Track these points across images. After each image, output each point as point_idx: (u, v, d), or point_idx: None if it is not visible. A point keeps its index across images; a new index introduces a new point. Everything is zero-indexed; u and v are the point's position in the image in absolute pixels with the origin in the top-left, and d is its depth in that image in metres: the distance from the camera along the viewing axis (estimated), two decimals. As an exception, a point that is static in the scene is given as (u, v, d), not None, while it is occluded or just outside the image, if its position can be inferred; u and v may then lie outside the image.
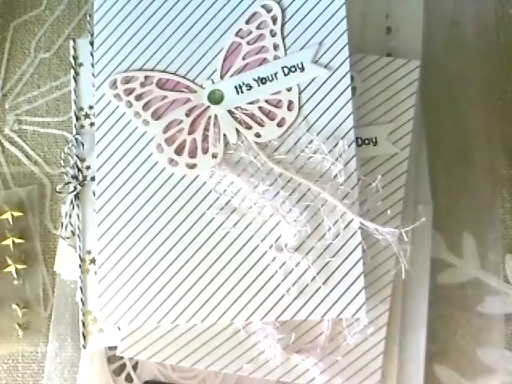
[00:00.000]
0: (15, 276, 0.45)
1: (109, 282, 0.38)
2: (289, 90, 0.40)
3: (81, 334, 0.41)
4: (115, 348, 0.40)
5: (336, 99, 0.39)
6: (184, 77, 0.40)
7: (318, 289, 0.38)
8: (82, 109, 0.43)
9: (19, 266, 0.45)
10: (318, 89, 0.40)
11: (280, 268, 0.38)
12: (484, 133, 0.46)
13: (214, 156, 0.39)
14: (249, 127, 0.39)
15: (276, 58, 0.40)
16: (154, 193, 0.39)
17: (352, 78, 0.40)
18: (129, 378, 0.42)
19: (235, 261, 0.38)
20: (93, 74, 0.41)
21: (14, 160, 0.47)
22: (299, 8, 0.41)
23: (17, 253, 0.45)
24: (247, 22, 0.41)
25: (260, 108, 0.40)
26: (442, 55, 0.47)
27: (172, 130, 0.40)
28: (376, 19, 0.45)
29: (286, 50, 0.40)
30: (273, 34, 0.40)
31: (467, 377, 0.44)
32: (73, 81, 0.43)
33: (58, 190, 0.42)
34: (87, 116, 0.43)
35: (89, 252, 0.41)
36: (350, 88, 0.39)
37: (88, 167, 0.42)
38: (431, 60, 0.46)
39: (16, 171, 0.47)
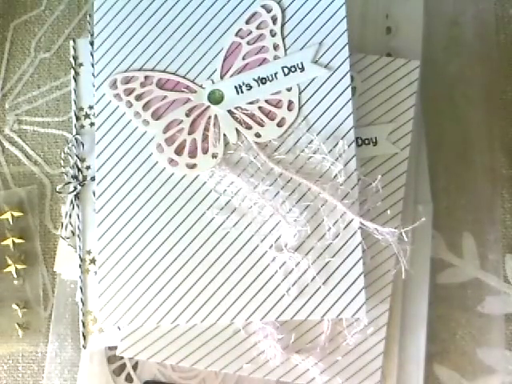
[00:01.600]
0: (15, 276, 0.45)
1: (109, 282, 0.38)
2: (289, 90, 0.40)
3: (81, 334, 0.41)
4: (115, 348, 0.40)
5: (336, 99, 0.39)
6: (184, 77, 0.40)
7: (318, 289, 0.38)
8: (82, 109, 0.43)
9: (19, 266, 0.45)
10: (318, 89, 0.40)
11: (280, 268, 0.38)
12: (484, 133, 0.46)
13: (214, 156, 0.39)
14: (249, 127, 0.39)
15: (276, 58, 0.40)
16: (154, 193, 0.39)
17: (352, 78, 0.40)
18: (129, 378, 0.42)
19: (235, 261, 0.38)
20: (93, 74, 0.41)
21: (14, 160, 0.47)
22: (299, 8, 0.41)
23: (17, 253, 0.45)
24: (247, 22, 0.41)
25: (260, 108, 0.40)
26: (442, 55, 0.47)
27: (172, 130, 0.40)
28: (376, 19, 0.45)
29: (285, 50, 0.40)
30: (273, 34, 0.40)
31: (467, 377, 0.44)
32: (73, 81, 0.43)
33: (58, 190, 0.42)
34: (87, 116, 0.43)
35: (89, 252, 0.41)
36: (349, 88, 0.39)
37: (88, 167, 0.42)
38: (431, 60, 0.46)
39: (16, 171, 0.47)
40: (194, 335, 0.39)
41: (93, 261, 0.41)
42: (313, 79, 0.40)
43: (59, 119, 0.48)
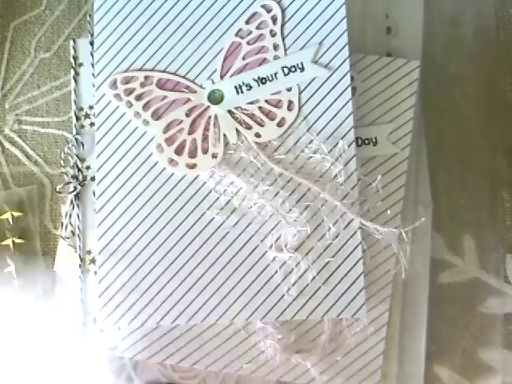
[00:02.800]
0: (15, 276, 0.45)
1: (109, 282, 0.38)
2: (289, 90, 0.40)
3: (81, 334, 0.41)
4: (115, 348, 0.40)
5: (336, 99, 0.39)
6: (184, 77, 0.40)
7: (318, 289, 0.38)
8: (82, 109, 0.43)
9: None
10: (318, 89, 0.40)
11: (280, 268, 0.38)
12: (484, 133, 0.46)
13: (214, 156, 0.39)
14: (249, 127, 0.39)
15: (276, 58, 0.40)
16: (154, 193, 0.39)
17: (352, 78, 0.40)
18: (129, 378, 0.42)
19: (235, 261, 0.38)
20: (93, 74, 0.41)
21: (14, 160, 0.47)
22: (299, 8, 0.41)
23: (17, 253, 0.45)
24: (247, 22, 0.41)
25: (260, 108, 0.40)
26: (442, 55, 0.47)
27: (172, 130, 0.40)
28: (376, 19, 0.45)
29: (285, 50, 0.40)
30: (273, 34, 0.40)
31: (467, 377, 0.44)
32: (73, 81, 0.43)
33: (58, 190, 0.42)
34: (87, 116, 0.43)
35: (89, 252, 0.41)
36: (349, 88, 0.39)
37: (88, 167, 0.42)
38: (431, 60, 0.46)
39: (16, 171, 0.47)
40: (194, 335, 0.39)
41: (93, 261, 0.41)
42: (313, 79, 0.40)
43: (59, 119, 0.48)
